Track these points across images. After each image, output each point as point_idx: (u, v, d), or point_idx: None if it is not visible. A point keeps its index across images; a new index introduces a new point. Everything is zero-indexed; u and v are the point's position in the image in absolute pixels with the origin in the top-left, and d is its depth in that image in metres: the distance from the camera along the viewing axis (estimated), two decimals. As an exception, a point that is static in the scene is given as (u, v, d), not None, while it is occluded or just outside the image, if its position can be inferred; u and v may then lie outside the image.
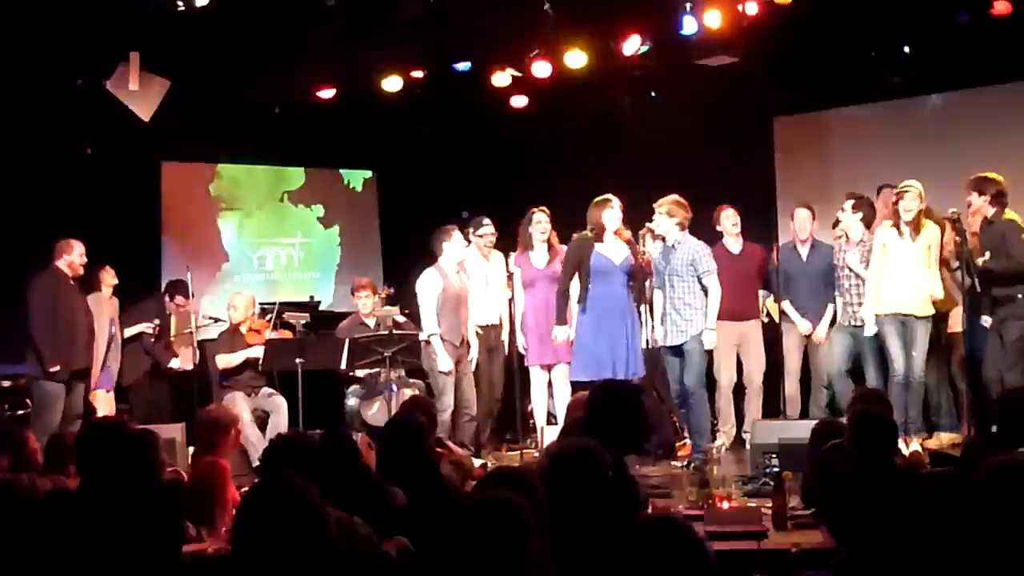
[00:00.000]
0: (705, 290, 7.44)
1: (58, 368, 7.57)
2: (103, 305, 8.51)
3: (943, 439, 7.46)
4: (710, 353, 7.70)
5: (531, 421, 8.23)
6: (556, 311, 7.63)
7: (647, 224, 7.73)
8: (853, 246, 7.75)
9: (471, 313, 8.14)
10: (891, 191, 7.68)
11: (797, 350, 8.16)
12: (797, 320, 8.07)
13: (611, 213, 7.52)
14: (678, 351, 7.47)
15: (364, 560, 3.34)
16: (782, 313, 8.06)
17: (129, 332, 8.83)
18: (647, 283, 7.81)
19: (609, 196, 7.60)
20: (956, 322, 7.51)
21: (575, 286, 7.61)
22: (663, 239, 7.58)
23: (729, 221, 8.19)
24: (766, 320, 8.43)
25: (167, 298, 9.26)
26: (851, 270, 7.71)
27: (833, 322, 7.99)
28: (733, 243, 8.19)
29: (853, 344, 7.70)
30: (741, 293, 8.01)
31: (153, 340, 8.95)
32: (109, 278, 8.65)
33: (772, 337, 8.23)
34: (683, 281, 7.45)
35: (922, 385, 7.38)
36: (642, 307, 7.78)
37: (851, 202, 7.78)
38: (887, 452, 4.27)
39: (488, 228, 8.37)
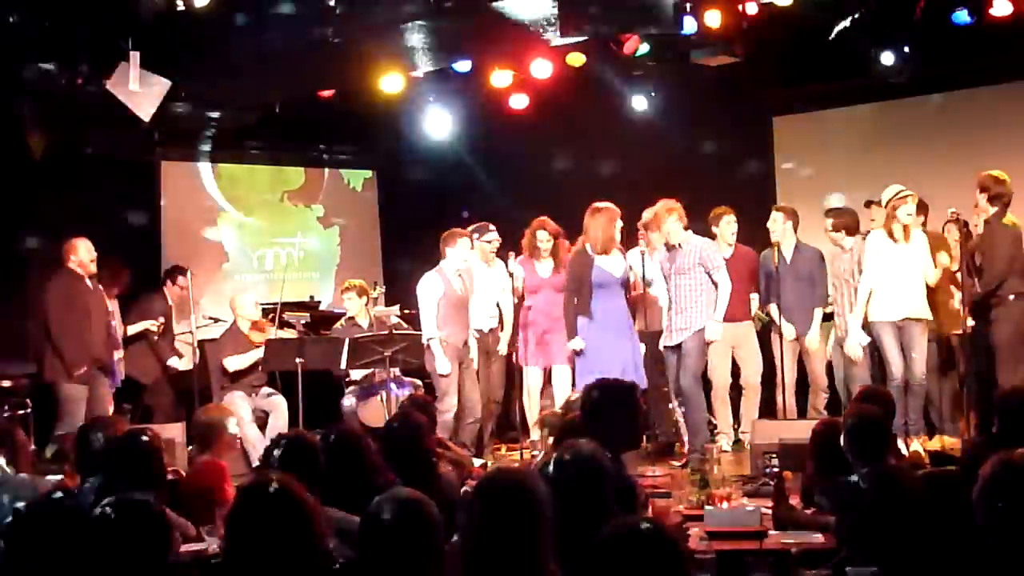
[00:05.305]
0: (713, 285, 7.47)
1: (84, 370, 7.56)
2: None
3: (944, 441, 7.44)
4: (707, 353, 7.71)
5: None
6: (567, 324, 7.67)
7: (639, 230, 7.74)
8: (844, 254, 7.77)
9: (470, 318, 8.15)
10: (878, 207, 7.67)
11: (791, 361, 8.11)
12: (782, 325, 8.03)
13: (617, 226, 7.55)
14: (678, 350, 7.48)
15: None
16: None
17: (133, 330, 8.79)
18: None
19: (611, 205, 7.58)
20: (955, 323, 7.52)
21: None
22: (666, 242, 7.58)
23: (728, 229, 8.14)
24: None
25: (168, 283, 9.15)
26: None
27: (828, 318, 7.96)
28: (725, 248, 8.15)
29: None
30: (734, 295, 7.98)
31: (157, 337, 8.89)
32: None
33: (767, 339, 8.21)
34: (688, 279, 7.47)
35: (923, 387, 7.37)
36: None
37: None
38: (880, 452, 4.26)
39: (493, 235, 8.41)
